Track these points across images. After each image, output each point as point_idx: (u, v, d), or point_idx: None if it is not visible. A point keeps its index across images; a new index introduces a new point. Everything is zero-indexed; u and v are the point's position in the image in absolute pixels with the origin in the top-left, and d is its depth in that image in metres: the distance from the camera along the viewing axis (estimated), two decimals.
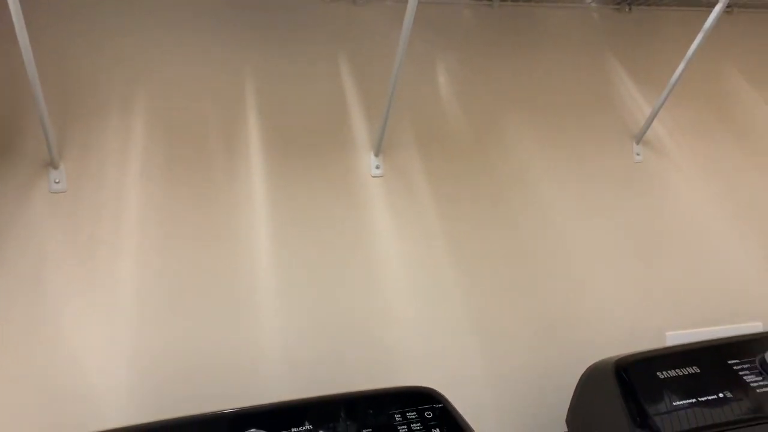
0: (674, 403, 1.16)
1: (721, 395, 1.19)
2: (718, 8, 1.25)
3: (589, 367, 1.28)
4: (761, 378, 1.22)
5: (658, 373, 1.21)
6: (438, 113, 1.37)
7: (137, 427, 1.07)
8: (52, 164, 1.15)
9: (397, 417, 1.14)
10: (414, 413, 1.15)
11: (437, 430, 1.11)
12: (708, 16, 1.52)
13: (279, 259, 1.27)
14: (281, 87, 1.27)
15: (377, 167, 1.33)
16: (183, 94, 1.22)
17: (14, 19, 0.92)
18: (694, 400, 1.17)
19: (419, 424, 1.12)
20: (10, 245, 1.13)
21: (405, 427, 1.12)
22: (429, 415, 1.15)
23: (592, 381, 1.27)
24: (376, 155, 1.33)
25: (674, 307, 1.54)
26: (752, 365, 1.24)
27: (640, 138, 1.49)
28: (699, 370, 1.22)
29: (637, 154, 1.50)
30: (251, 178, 1.25)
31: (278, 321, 1.27)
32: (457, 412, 1.14)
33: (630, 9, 1.49)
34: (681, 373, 1.21)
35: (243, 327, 1.25)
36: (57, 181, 1.16)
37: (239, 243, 1.25)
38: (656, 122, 1.51)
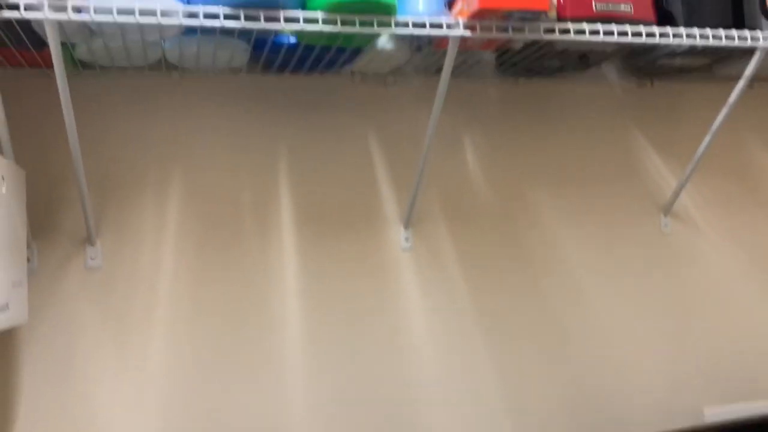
0: None
1: None
2: (741, 84, 1.27)
3: None
4: None
5: None
6: (465, 187, 1.38)
7: None
8: (89, 241, 1.16)
9: None
10: None
11: None
12: (729, 90, 1.54)
13: (309, 332, 1.26)
14: (313, 164, 1.30)
15: (406, 240, 1.33)
16: (217, 173, 1.24)
17: (62, 100, 0.95)
18: None
19: None
20: (45, 319, 1.14)
21: None
22: None
23: None
24: (406, 228, 1.33)
25: (711, 381, 1.50)
26: None
27: (668, 210, 1.49)
28: None
29: (665, 226, 1.50)
30: (283, 252, 1.26)
31: (307, 394, 1.25)
32: None
33: (652, 84, 1.52)
34: None
35: (272, 400, 1.23)
36: (93, 257, 1.17)
37: (270, 317, 1.24)
38: (682, 193, 1.51)
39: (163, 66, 1.20)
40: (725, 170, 1.55)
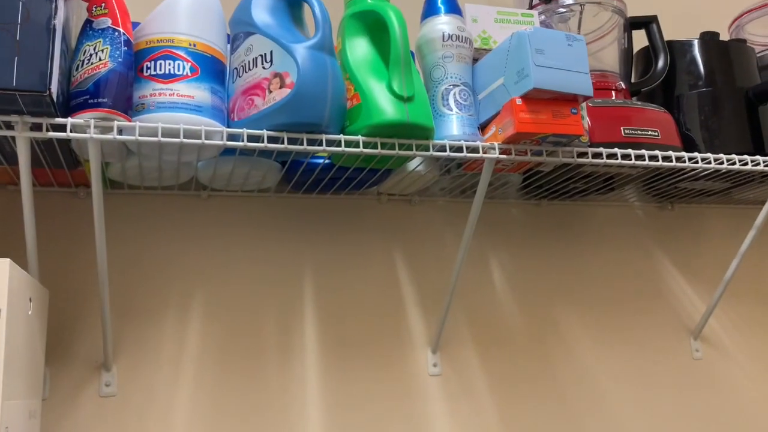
0: None
1: None
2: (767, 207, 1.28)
3: None
4: None
5: None
6: (493, 310, 1.35)
7: None
8: (105, 366, 1.10)
9: None
10: None
11: None
12: (749, 212, 1.56)
13: None
14: (338, 284, 1.26)
15: (435, 365, 1.28)
16: (241, 293, 1.21)
17: (96, 219, 0.93)
18: None
19: None
20: None
21: None
22: None
23: None
24: (434, 353, 1.28)
25: None
26: None
27: (697, 334, 1.46)
28: None
29: (696, 350, 1.46)
30: (306, 378, 1.20)
31: None
32: None
33: (672, 207, 1.53)
34: None
35: None
36: (108, 384, 1.10)
37: None
38: (712, 318, 1.48)
39: (193, 186, 1.20)
40: (752, 293, 1.53)
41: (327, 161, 1.10)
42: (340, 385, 1.22)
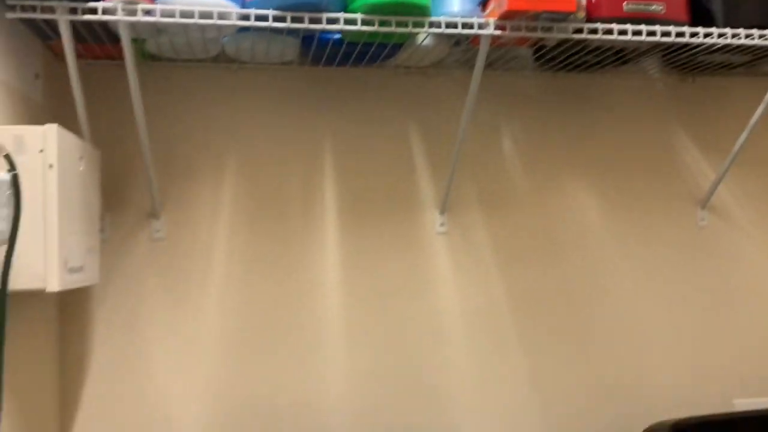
0: None
1: None
2: None
3: (646, 429, 1.30)
4: None
5: None
6: (501, 175, 1.45)
7: None
8: (155, 215, 1.31)
9: None
10: None
11: None
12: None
13: (348, 306, 1.37)
14: (356, 151, 1.40)
15: (442, 225, 1.42)
16: (268, 155, 1.36)
17: (131, 88, 1.09)
18: None
19: None
20: (114, 283, 1.29)
21: None
22: None
23: None
24: (441, 213, 1.42)
25: (743, 374, 1.53)
26: None
27: (705, 203, 1.52)
28: None
29: (702, 219, 1.52)
30: (325, 232, 1.37)
31: (345, 363, 1.36)
32: None
33: (694, 80, 1.54)
34: None
35: (311, 367, 1.35)
36: (158, 230, 1.31)
37: (312, 290, 1.36)
38: (721, 188, 1.53)
39: (223, 59, 1.32)
40: (762, 166, 1.56)
41: (337, 37, 1.19)
42: (356, 240, 1.38)
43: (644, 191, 1.51)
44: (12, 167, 0.84)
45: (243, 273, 1.34)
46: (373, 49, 1.25)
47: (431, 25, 1.10)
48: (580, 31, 1.14)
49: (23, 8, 0.99)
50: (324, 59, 1.32)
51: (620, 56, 1.36)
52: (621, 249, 1.49)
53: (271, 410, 1.33)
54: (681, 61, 1.42)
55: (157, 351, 1.30)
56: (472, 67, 1.42)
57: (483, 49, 1.15)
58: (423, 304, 1.40)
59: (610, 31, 1.14)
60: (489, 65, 1.41)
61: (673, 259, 1.52)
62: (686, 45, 1.26)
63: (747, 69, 1.49)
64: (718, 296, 1.52)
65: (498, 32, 1.11)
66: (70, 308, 1.28)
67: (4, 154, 0.84)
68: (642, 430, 1.36)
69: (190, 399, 1.31)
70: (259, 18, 1.04)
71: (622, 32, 1.15)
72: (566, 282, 1.47)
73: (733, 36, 1.20)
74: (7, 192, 0.83)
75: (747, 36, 1.20)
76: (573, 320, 1.46)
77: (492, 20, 1.11)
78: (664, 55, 1.43)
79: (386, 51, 1.27)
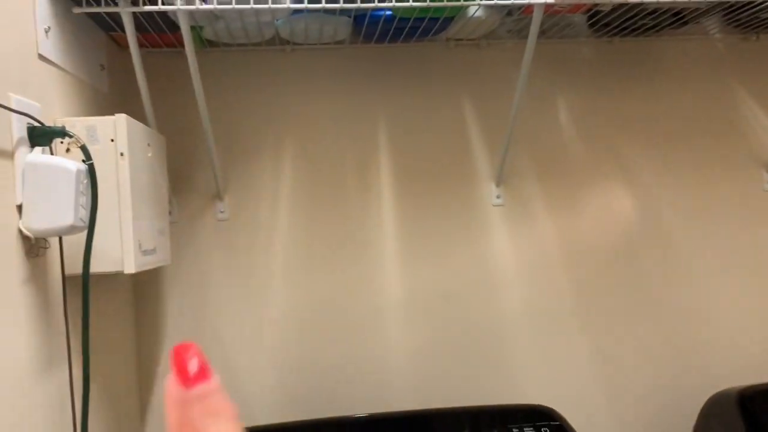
0: None
1: None
2: None
3: (712, 396, 1.29)
4: None
5: None
6: (558, 145, 1.44)
7: (278, 426, 1.23)
8: (219, 197, 1.35)
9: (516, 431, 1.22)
10: (531, 429, 1.23)
11: None
12: None
13: (407, 282, 1.39)
14: (409, 126, 1.41)
15: (498, 197, 1.42)
16: (325, 134, 1.39)
17: (192, 74, 1.12)
18: None
19: None
20: (184, 261, 1.35)
21: None
22: (546, 431, 1.22)
23: (715, 410, 1.27)
24: (497, 185, 1.42)
25: None
26: None
27: None
28: None
29: None
30: (382, 208, 1.39)
31: (405, 337, 1.39)
32: (573, 430, 1.20)
33: (758, 37, 1.48)
34: None
35: (372, 339, 1.39)
36: (222, 210, 1.36)
37: (371, 266, 1.39)
38: None
39: (277, 41, 1.35)
40: None
41: (389, 13, 1.20)
42: (412, 215, 1.40)
43: (707, 156, 1.48)
44: (88, 157, 0.89)
45: (304, 250, 1.38)
46: (424, 23, 1.25)
47: None
48: None
49: (88, 2, 1.03)
50: (376, 36, 1.33)
51: (679, 17, 1.33)
52: (685, 217, 1.47)
53: (336, 382, 1.38)
54: (743, 19, 1.37)
55: (226, 325, 1.36)
56: (525, 36, 1.40)
57: (537, 17, 1.14)
58: (480, 275, 1.42)
59: None
60: (542, 33, 1.39)
61: (739, 225, 1.48)
62: (749, 2, 1.21)
63: None
64: None
65: (551, 1, 1.10)
66: (145, 288, 1.34)
67: (81, 144, 0.89)
68: (708, 396, 1.35)
69: (259, 371, 1.36)
70: (312, 0, 1.06)
71: None
72: (628, 253, 1.45)
73: None
74: (85, 181, 0.87)
75: None
76: (637, 292, 1.45)
77: None
78: (725, 15, 1.38)
79: (438, 25, 1.27)
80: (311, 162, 1.39)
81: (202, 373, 0.33)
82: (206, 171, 1.36)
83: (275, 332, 1.37)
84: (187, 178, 1.36)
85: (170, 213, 1.34)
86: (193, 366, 0.32)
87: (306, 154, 1.39)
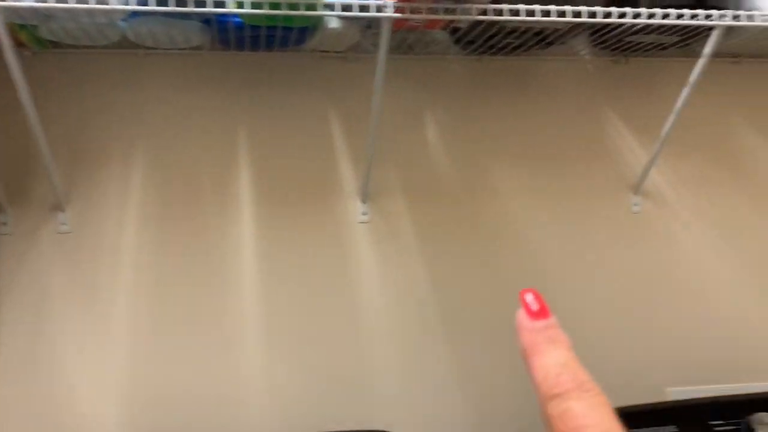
0: None
1: None
2: (701, 62, 1.25)
3: None
4: None
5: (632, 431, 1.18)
6: (427, 163, 1.41)
7: None
8: (60, 208, 1.26)
9: None
10: None
11: None
12: (712, 65, 1.50)
13: (266, 302, 1.33)
14: (271, 138, 1.35)
15: (364, 213, 1.38)
16: (179, 147, 1.32)
17: (15, 76, 1.04)
18: None
19: None
20: (19, 277, 1.25)
21: None
22: None
23: None
24: (363, 202, 1.38)
25: (678, 362, 1.50)
26: (737, 428, 1.19)
27: (638, 188, 1.48)
28: (676, 430, 1.19)
29: (635, 205, 1.49)
30: (241, 224, 1.33)
31: (264, 361, 1.33)
32: None
33: (627, 60, 1.50)
34: None
35: (229, 364, 1.32)
36: (63, 223, 1.27)
37: (228, 285, 1.32)
38: (656, 173, 1.49)
39: (127, 44, 1.27)
40: (705, 149, 1.52)
41: (238, 20, 1.15)
42: (274, 232, 1.34)
43: (576, 177, 1.47)
44: None
45: (154, 267, 1.30)
46: (278, 32, 1.20)
47: (325, 7, 1.05)
48: (485, 12, 1.09)
49: None
50: (233, 44, 1.27)
51: (542, 38, 1.32)
52: (553, 237, 1.46)
53: (186, 407, 1.30)
54: (609, 41, 1.38)
55: (66, 349, 1.27)
56: (393, 51, 1.38)
57: (385, 32, 1.10)
58: (344, 295, 1.37)
59: (516, 12, 1.10)
60: (409, 49, 1.37)
61: (607, 246, 1.48)
62: (607, 25, 1.21)
63: (679, 50, 1.44)
64: (652, 283, 1.49)
65: (397, 15, 1.07)
66: None
67: None
68: None
69: (101, 398, 1.27)
70: (141, 2, 1.00)
71: (530, 13, 1.10)
72: (495, 272, 1.43)
73: (649, 16, 1.15)
74: None
75: (665, 16, 1.16)
76: (502, 312, 1.43)
77: (391, 2, 1.06)
78: (591, 36, 1.39)
79: (294, 35, 1.22)
80: (165, 173, 1.31)
81: (543, 312, 0.48)
82: (46, 180, 1.27)
83: (121, 356, 1.28)
84: (24, 188, 1.27)
85: (5, 224, 1.25)
86: (534, 306, 0.48)
87: (159, 164, 1.31)
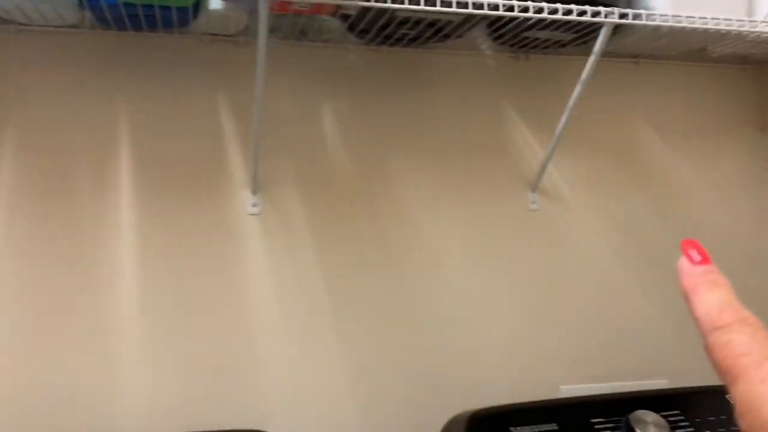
0: None
1: None
2: (592, 60, 1.25)
3: (451, 418, 1.25)
4: None
5: (512, 429, 1.17)
6: (324, 154, 1.38)
7: None
8: None
9: None
10: None
11: None
12: (611, 65, 1.52)
13: (146, 295, 1.27)
14: (156, 123, 1.29)
15: (254, 205, 1.33)
16: (54, 129, 1.24)
17: None
18: None
19: None
20: None
21: None
22: None
23: None
24: (254, 193, 1.33)
25: (571, 360, 1.51)
26: (617, 426, 1.20)
27: (535, 186, 1.48)
28: (557, 428, 1.18)
29: (533, 203, 1.49)
30: (120, 212, 1.27)
31: (144, 357, 1.27)
32: None
33: (527, 57, 1.49)
34: (537, 430, 1.18)
35: (106, 363, 1.25)
36: None
37: (105, 277, 1.25)
38: (555, 172, 1.49)
39: None
40: (599, 148, 1.53)
41: None
42: (155, 221, 1.28)
43: (476, 173, 1.46)
44: None
45: (22, 257, 1.22)
46: (158, 12, 1.14)
47: None
48: None
49: None
50: (113, 23, 1.21)
51: (437, 29, 1.29)
52: (451, 233, 1.44)
53: (58, 404, 1.22)
54: (507, 36, 1.36)
55: None
56: (285, 36, 1.34)
57: (263, 14, 1.05)
58: (233, 291, 1.32)
59: (402, 1, 1.07)
60: (301, 35, 1.33)
61: (505, 245, 1.47)
62: (500, 18, 1.20)
63: (579, 48, 1.44)
64: (548, 282, 1.49)
65: None
66: None
67: None
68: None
69: None
70: None
71: (415, 2, 1.07)
72: (391, 269, 1.41)
73: (535, 10, 1.14)
74: None
75: (550, 11, 1.15)
76: (397, 308, 1.41)
77: None
78: (488, 30, 1.37)
79: (175, 15, 1.16)
80: (36, 156, 1.24)
81: (705, 260, 0.53)
82: None
83: None
84: None
85: None
86: (696, 257, 0.53)
87: (31, 146, 1.24)
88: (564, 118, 1.33)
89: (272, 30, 1.31)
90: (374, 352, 1.39)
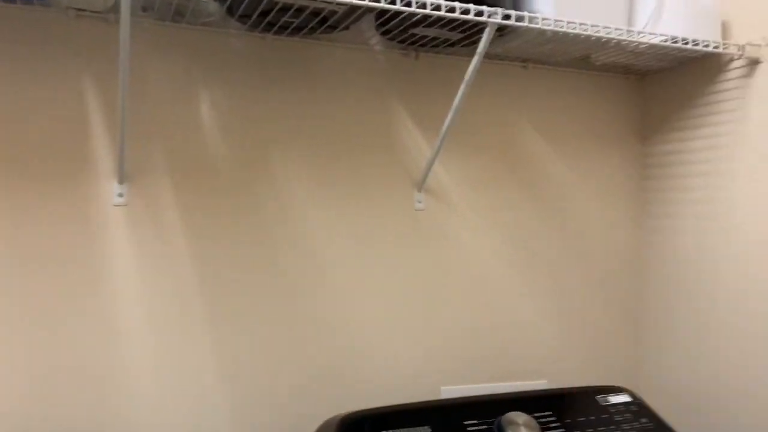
0: None
1: None
2: (475, 60, 1.24)
3: (322, 423, 1.21)
4: None
5: None
6: (198, 143, 1.30)
7: None
8: None
9: None
10: None
11: None
12: (500, 68, 1.52)
13: (6, 286, 1.16)
14: (11, 103, 1.18)
15: (120, 195, 1.24)
16: None
17: None
18: None
19: None
20: None
21: None
22: None
23: None
24: (120, 183, 1.24)
25: (453, 362, 1.50)
26: (489, 427, 1.19)
27: (421, 185, 1.46)
28: (430, 430, 1.17)
29: (419, 202, 1.47)
30: None
31: (13, 357, 1.16)
32: None
33: (417, 55, 1.47)
34: None
35: None
36: None
37: None
38: (442, 172, 1.48)
39: None
40: (487, 149, 1.53)
41: None
42: (10, 210, 1.17)
43: (362, 170, 1.43)
44: None
45: None
46: None
47: None
48: None
49: None
50: None
51: (322, 19, 1.25)
52: (334, 230, 1.40)
53: None
54: (394, 31, 1.34)
55: None
56: (160, 18, 1.26)
57: None
58: (94, 286, 1.22)
59: None
60: (177, 17, 1.25)
61: (389, 244, 1.45)
62: (385, 11, 1.17)
63: (466, 48, 1.44)
64: (432, 282, 1.48)
65: None
66: None
67: None
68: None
69: None
70: None
71: None
72: (270, 266, 1.35)
73: (420, 5, 1.12)
74: None
75: (432, 7, 1.13)
76: (275, 307, 1.35)
77: None
78: (376, 24, 1.34)
79: None
80: None
81: None
82: None
83: None
84: None
85: None
86: None
87: None
88: (449, 118, 1.32)
89: (144, 9, 1.23)
90: (249, 354, 1.33)
